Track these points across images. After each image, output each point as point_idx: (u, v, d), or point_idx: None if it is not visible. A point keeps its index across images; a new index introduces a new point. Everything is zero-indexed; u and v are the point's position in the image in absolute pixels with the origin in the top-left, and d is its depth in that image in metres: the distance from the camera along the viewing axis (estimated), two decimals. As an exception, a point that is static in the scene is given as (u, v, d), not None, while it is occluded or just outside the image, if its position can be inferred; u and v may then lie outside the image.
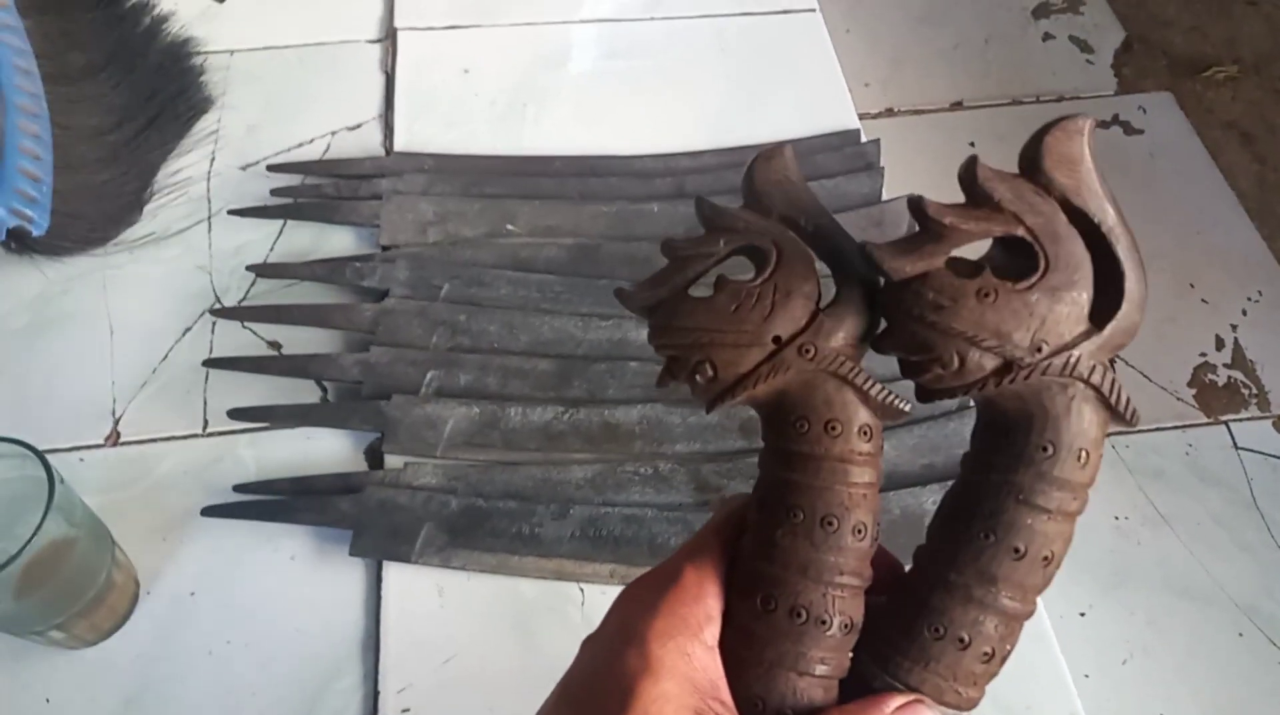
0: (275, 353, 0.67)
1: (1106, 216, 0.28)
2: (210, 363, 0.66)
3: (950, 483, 0.61)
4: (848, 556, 0.29)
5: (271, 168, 0.76)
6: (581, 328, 0.68)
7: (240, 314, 0.68)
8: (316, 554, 0.60)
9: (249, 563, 0.59)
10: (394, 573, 0.58)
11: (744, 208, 0.32)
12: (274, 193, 0.74)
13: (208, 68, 0.84)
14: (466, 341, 0.67)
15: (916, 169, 1.17)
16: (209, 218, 0.74)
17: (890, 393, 0.29)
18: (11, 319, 0.69)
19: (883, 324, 0.30)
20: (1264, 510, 0.86)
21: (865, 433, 0.30)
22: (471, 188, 0.75)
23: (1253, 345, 0.97)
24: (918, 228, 0.29)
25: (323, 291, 0.70)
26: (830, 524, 0.29)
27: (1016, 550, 0.28)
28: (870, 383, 0.29)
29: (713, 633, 0.30)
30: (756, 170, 0.32)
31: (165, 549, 0.59)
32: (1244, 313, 1.01)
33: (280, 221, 0.74)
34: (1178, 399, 0.93)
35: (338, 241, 0.73)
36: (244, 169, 0.77)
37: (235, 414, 0.63)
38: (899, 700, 0.29)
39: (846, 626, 0.30)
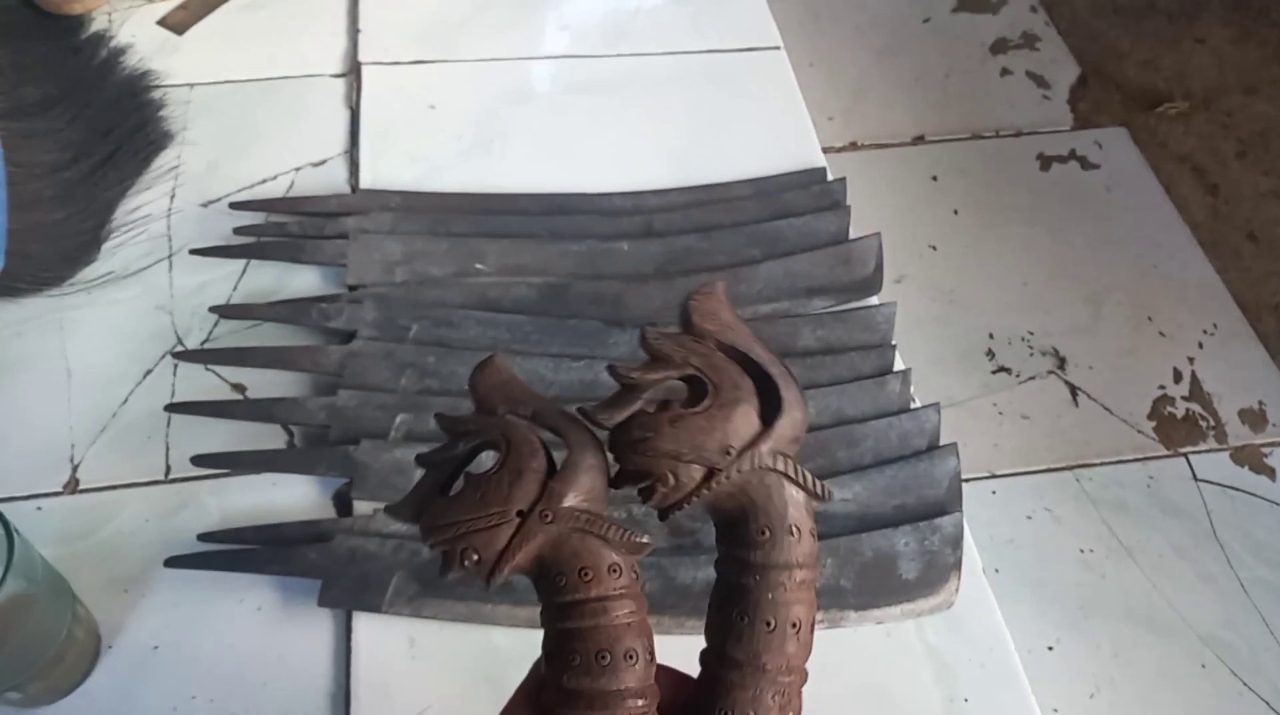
0: (240, 397, 0.66)
1: (751, 347, 0.35)
2: (172, 407, 0.64)
3: (920, 523, 0.61)
4: (626, 681, 0.33)
5: (234, 205, 0.75)
6: (552, 369, 0.67)
7: (203, 357, 0.67)
8: (284, 605, 0.58)
9: (214, 615, 0.58)
10: (364, 623, 0.57)
11: (475, 411, 0.37)
12: (236, 231, 0.73)
13: (167, 101, 0.82)
14: (436, 384, 0.66)
15: (881, 203, 1.19)
16: (169, 257, 0.73)
17: (627, 531, 0.34)
18: (-36, 362, 0.67)
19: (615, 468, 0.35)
20: (1223, 541, 0.87)
21: (615, 570, 0.34)
22: (439, 226, 0.75)
23: (1209, 378, 0.99)
24: (619, 387, 0.35)
25: (288, 333, 0.69)
26: (603, 658, 0.33)
27: (768, 624, 0.33)
28: (607, 527, 0.34)
29: None
30: (478, 379, 0.37)
31: (127, 601, 0.58)
32: (1200, 346, 1.03)
33: (243, 261, 0.73)
34: (1138, 431, 0.94)
35: (303, 281, 0.72)
36: (205, 206, 0.76)
37: (199, 460, 0.61)
38: None
39: None
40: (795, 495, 0.34)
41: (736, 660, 0.34)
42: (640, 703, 0.33)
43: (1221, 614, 0.83)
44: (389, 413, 0.64)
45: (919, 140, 1.21)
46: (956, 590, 0.61)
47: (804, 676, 0.35)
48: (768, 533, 0.34)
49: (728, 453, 0.33)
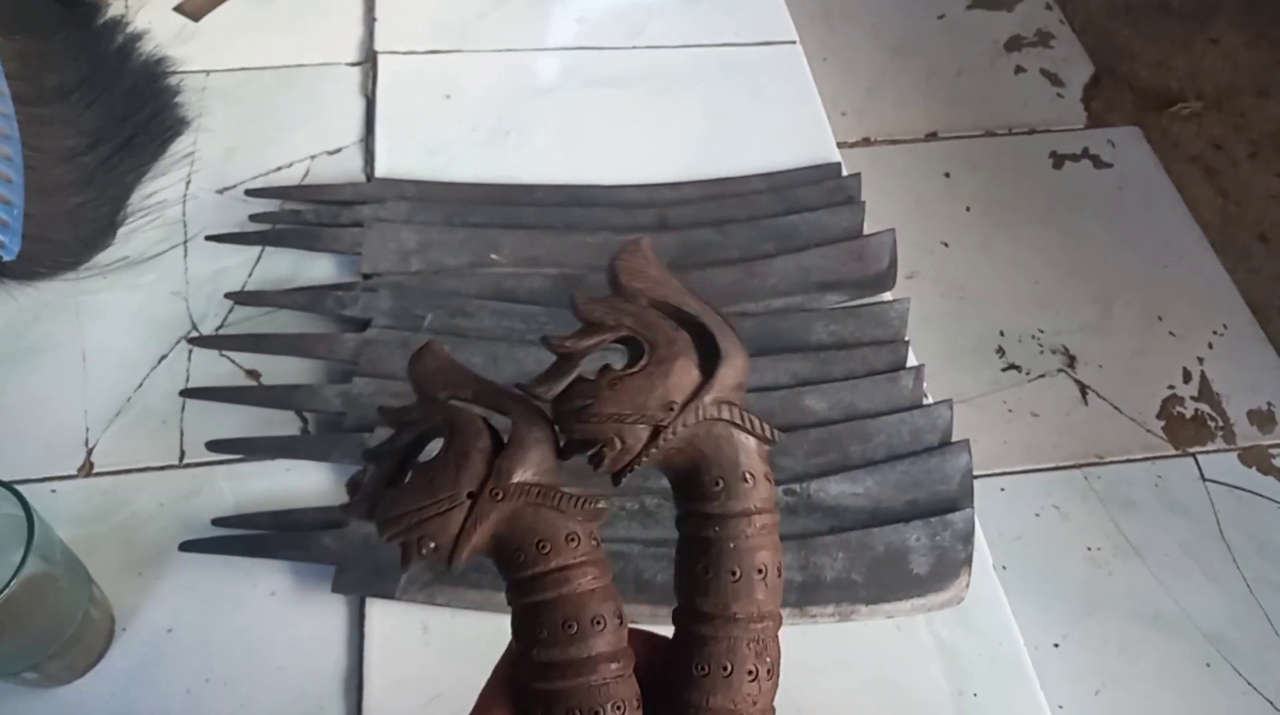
0: (254, 383, 0.66)
1: (684, 300, 0.35)
2: (187, 393, 0.64)
3: (932, 518, 0.61)
4: (597, 647, 0.33)
5: (250, 192, 0.75)
6: (566, 360, 0.67)
7: (218, 343, 0.67)
8: (297, 590, 0.59)
9: (228, 599, 0.58)
10: (377, 609, 0.58)
11: (417, 400, 0.36)
12: (252, 218, 0.73)
13: (183, 88, 0.82)
14: (450, 373, 0.66)
15: (893, 198, 1.20)
16: (185, 242, 0.73)
17: (581, 499, 0.34)
18: (-19, 345, 0.67)
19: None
20: (1230, 541, 0.87)
21: (572, 539, 0.33)
22: (454, 216, 0.75)
23: (1219, 378, 0.99)
24: (555, 359, 0.35)
25: (303, 320, 0.69)
26: (570, 627, 0.33)
27: (733, 574, 0.33)
28: (559, 498, 0.33)
29: None
30: (415, 367, 0.36)
31: (141, 584, 0.58)
32: (1210, 346, 1.03)
33: (259, 248, 0.73)
34: (1147, 431, 0.94)
35: (318, 269, 0.72)
36: (221, 193, 0.76)
37: (213, 446, 0.62)
38: None
39: (619, 708, 0.33)
40: (745, 441, 0.34)
41: (706, 614, 0.33)
42: (614, 666, 0.33)
43: (1227, 613, 0.84)
44: (403, 401, 0.64)
45: (932, 137, 1.21)
46: (967, 586, 0.61)
47: (778, 621, 0.34)
48: (721, 483, 0.34)
49: (670, 408, 0.33)
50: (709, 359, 0.34)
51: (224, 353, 0.67)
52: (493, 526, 0.33)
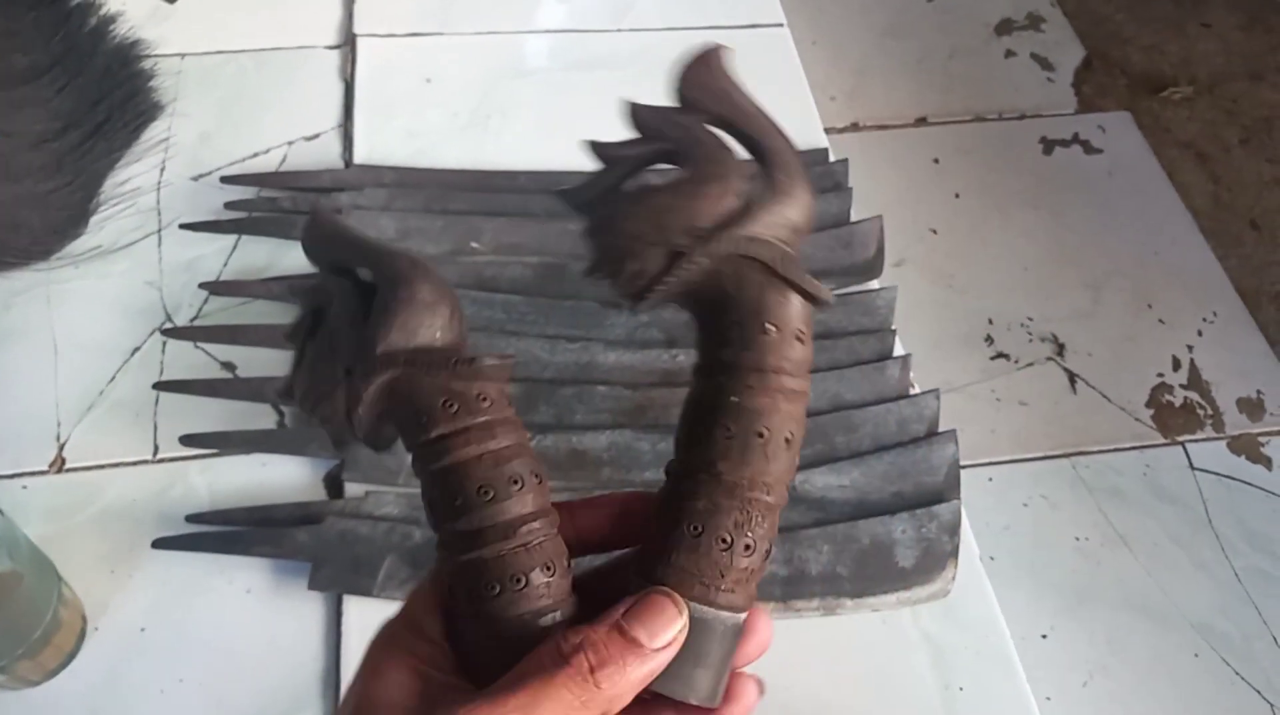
0: (230, 375, 0.65)
1: (749, 122, 0.31)
2: (161, 386, 0.63)
3: (918, 510, 0.60)
4: (513, 508, 0.30)
5: (225, 179, 0.74)
6: (548, 350, 0.66)
7: (193, 334, 0.66)
8: (274, 587, 0.57)
9: (202, 596, 0.57)
10: (355, 607, 0.57)
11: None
12: (228, 206, 0.72)
13: (158, 71, 0.81)
14: (429, 364, 0.65)
15: (882, 185, 1.18)
16: (159, 230, 0.72)
17: (457, 359, 0.30)
18: (-51, 336, 0.66)
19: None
20: (1218, 530, 0.87)
21: (452, 404, 0.30)
22: (434, 203, 0.73)
23: (1208, 366, 0.99)
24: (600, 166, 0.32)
25: (279, 310, 0.68)
26: (484, 492, 0.30)
27: (727, 430, 0.29)
28: (432, 362, 0.30)
29: (433, 624, 0.31)
30: (304, 236, 0.34)
31: (114, 582, 0.57)
32: (1199, 333, 1.03)
33: (234, 236, 0.71)
34: (1135, 419, 0.94)
35: (295, 258, 0.71)
36: (196, 179, 0.75)
37: (188, 440, 0.60)
38: (629, 601, 0.29)
39: (549, 568, 0.30)
40: (780, 290, 0.30)
41: (689, 468, 0.30)
42: (536, 525, 0.30)
43: (1215, 602, 0.83)
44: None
45: (921, 122, 1.20)
46: (953, 578, 0.60)
47: (779, 499, 0.30)
48: (737, 329, 0.30)
49: (693, 234, 0.29)
50: (759, 190, 0.30)
51: (198, 344, 0.66)
52: (373, 401, 0.31)
